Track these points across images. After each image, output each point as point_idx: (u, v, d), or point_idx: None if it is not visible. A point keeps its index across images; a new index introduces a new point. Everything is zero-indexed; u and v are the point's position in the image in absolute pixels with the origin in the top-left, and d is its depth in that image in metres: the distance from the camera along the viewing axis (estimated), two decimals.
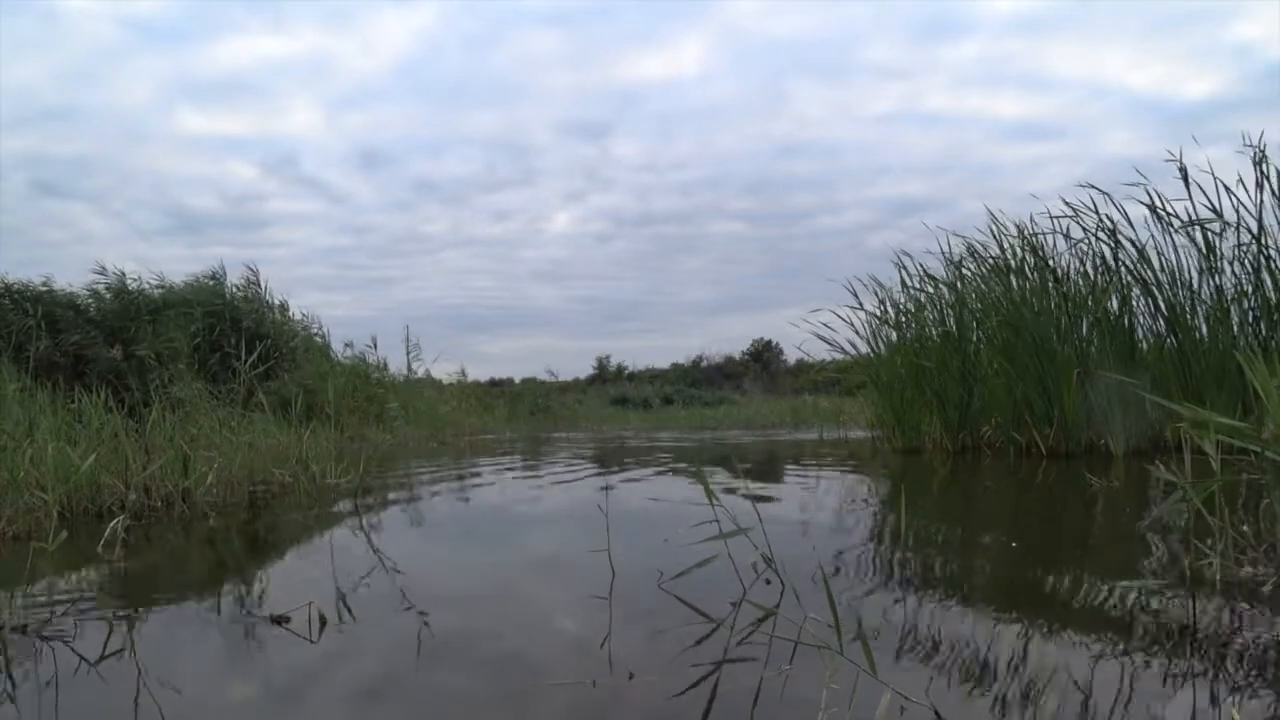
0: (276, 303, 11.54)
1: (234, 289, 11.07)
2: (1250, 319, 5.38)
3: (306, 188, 36.47)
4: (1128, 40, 31.08)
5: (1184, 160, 5.40)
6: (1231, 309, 5.37)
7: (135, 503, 3.42)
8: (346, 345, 12.28)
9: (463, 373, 15.73)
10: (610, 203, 40.61)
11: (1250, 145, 5.17)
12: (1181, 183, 5.44)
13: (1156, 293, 5.70)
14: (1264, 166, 5.15)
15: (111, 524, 2.63)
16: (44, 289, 10.25)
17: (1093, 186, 5.83)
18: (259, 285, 11.29)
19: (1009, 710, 1.20)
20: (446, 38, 33.39)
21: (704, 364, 30.97)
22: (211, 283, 10.92)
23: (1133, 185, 5.65)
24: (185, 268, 19.02)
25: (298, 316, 11.85)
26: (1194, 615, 1.68)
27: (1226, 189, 5.28)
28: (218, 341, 9.77)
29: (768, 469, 5.58)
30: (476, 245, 39.61)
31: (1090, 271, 6.01)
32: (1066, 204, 6.03)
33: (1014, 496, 4.07)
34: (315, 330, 12.14)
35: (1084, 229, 5.93)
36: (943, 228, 9.65)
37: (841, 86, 35.90)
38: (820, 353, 8.03)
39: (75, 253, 33.10)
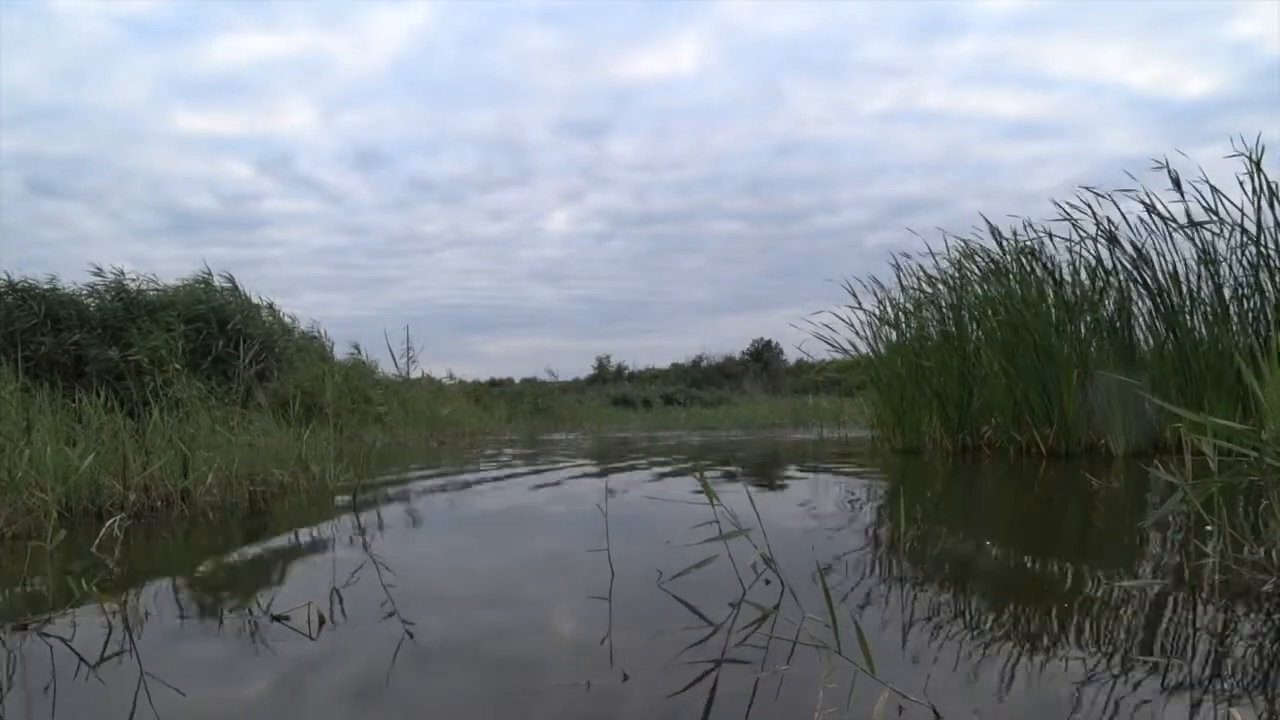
0: (265, 304, 11.53)
1: (219, 292, 11.06)
2: (1250, 318, 5.38)
3: (302, 187, 36.56)
4: (1125, 38, 31.16)
5: (1180, 164, 5.45)
6: (1231, 309, 5.37)
7: (135, 503, 3.42)
8: (351, 349, 12.31)
9: (450, 375, 15.86)
10: (608, 202, 40.70)
11: (1244, 154, 5.18)
12: (1178, 186, 5.46)
13: (1156, 293, 5.70)
14: (1259, 165, 5.16)
15: (109, 524, 2.63)
16: (48, 288, 10.30)
17: (1095, 192, 5.84)
18: (237, 289, 11.30)
19: (1007, 709, 1.20)
20: (442, 35, 33.45)
21: (704, 364, 31.01)
22: (201, 286, 10.91)
23: (1131, 191, 5.66)
24: (183, 268, 19.01)
25: (288, 318, 11.84)
26: (1193, 615, 1.68)
27: (1219, 200, 5.30)
28: (207, 344, 9.79)
29: (768, 469, 5.58)
30: (475, 245, 39.72)
31: (1088, 275, 6.01)
32: (1063, 206, 6.04)
33: (1014, 497, 4.07)
34: (313, 330, 12.15)
35: (1083, 232, 5.94)
36: (941, 228, 9.67)
37: (838, 85, 36.03)
38: (820, 353, 8.05)
39: (72, 252, 33.17)
